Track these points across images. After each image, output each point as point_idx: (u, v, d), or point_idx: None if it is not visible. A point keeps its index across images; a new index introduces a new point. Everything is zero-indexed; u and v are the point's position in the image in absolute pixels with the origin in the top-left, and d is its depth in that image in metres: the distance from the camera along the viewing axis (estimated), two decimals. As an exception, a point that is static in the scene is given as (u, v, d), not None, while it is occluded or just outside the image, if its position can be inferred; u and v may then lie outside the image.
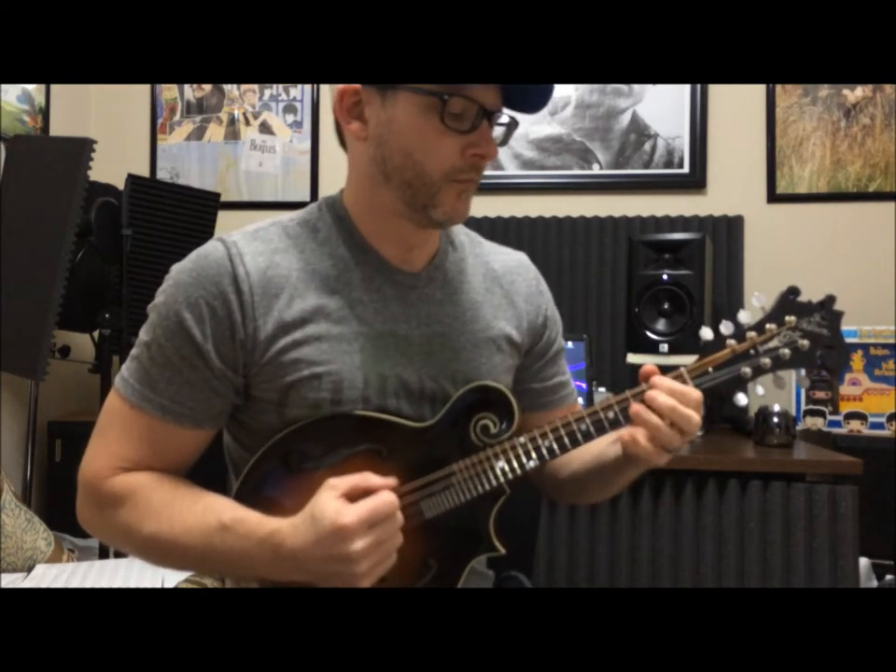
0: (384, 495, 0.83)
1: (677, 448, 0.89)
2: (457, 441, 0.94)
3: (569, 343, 2.22)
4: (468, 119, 0.88)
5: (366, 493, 0.83)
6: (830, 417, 2.28)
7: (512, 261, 1.10)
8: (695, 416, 0.88)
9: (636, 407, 0.89)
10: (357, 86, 0.91)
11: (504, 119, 0.94)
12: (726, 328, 0.92)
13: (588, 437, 0.92)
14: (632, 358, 2.12)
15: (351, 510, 0.81)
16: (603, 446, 0.98)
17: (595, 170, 2.63)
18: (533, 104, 0.92)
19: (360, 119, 0.92)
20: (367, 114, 0.92)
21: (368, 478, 0.84)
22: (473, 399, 0.96)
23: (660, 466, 0.91)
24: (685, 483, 1.85)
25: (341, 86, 0.92)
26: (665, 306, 2.10)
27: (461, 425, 0.95)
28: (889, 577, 2.01)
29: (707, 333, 0.92)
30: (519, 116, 0.95)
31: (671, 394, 0.88)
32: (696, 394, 0.89)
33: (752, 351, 0.91)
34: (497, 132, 0.94)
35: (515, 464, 0.92)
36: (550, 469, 1.10)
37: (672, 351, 2.05)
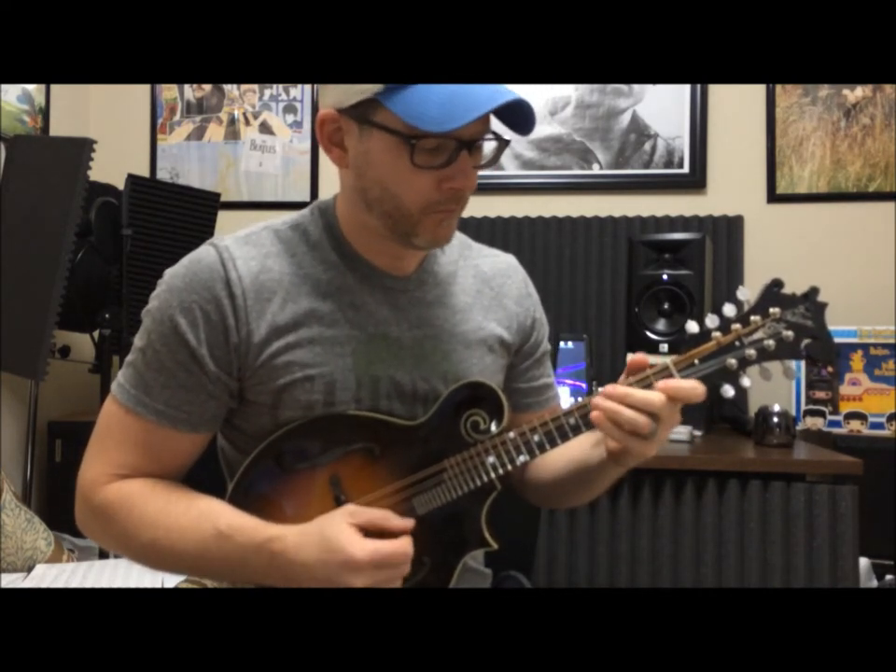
0: (403, 543, 0.83)
1: (648, 431, 0.85)
2: (448, 437, 0.95)
3: (569, 343, 2.22)
4: (444, 153, 0.87)
5: (382, 532, 0.84)
6: (830, 417, 2.28)
7: (502, 263, 1.11)
8: (651, 396, 0.85)
9: (594, 415, 0.87)
10: (336, 114, 0.90)
11: (490, 141, 0.91)
12: (711, 321, 0.92)
13: (577, 430, 0.92)
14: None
15: (365, 546, 0.81)
16: (587, 449, 0.98)
17: (595, 170, 2.63)
18: (516, 125, 0.89)
19: (341, 147, 0.92)
20: (346, 143, 0.92)
21: (389, 518, 0.85)
22: (463, 396, 0.96)
23: (648, 457, 0.89)
24: (685, 483, 1.85)
25: (321, 112, 0.92)
26: (665, 306, 2.10)
27: (452, 422, 0.95)
28: (889, 577, 2.01)
29: (692, 327, 0.93)
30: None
31: (611, 397, 0.85)
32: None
33: (737, 343, 0.91)
34: (488, 149, 0.93)
35: (505, 458, 0.92)
36: (533, 474, 1.10)
37: (672, 351, 2.05)
